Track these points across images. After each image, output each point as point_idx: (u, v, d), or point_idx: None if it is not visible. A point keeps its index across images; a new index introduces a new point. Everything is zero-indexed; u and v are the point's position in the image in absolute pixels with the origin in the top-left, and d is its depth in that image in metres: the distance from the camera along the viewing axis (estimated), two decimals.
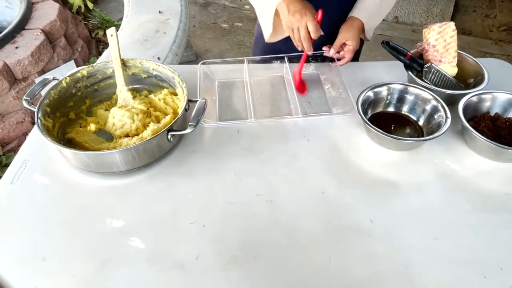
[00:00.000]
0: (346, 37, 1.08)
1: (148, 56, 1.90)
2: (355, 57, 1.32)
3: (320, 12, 0.98)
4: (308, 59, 1.22)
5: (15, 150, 2.05)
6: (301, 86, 1.15)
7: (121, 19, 2.40)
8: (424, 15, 3.33)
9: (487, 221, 0.83)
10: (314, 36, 0.98)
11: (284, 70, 1.21)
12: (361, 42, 1.28)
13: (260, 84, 1.19)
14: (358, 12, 1.12)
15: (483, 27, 3.26)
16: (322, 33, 1.00)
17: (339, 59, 1.16)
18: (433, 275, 0.74)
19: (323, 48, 1.18)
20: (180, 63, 2.11)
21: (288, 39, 1.24)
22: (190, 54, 2.86)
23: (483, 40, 3.12)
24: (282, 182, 0.90)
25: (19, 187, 0.89)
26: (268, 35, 1.13)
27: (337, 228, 0.82)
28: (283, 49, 1.20)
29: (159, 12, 2.21)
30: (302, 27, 0.97)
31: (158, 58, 1.89)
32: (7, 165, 1.88)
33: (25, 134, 2.10)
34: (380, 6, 1.12)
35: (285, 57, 1.19)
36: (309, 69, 1.23)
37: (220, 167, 0.93)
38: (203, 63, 1.18)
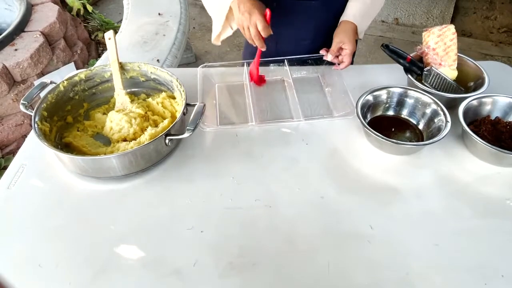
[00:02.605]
0: (342, 41, 1.08)
1: (147, 58, 1.89)
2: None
3: (268, 11, 0.99)
4: (308, 62, 1.22)
5: (14, 153, 2.05)
6: (260, 80, 1.18)
7: (120, 21, 2.40)
8: (424, 17, 3.33)
9: (488, 227, 0.82)
10: (263, 34, 0.98)
11: (284, 72, 1.20)
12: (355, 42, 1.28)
13: (260, 87, 1.18)
14: (349, 15, 1.12)
15: (484, 29, 3.25)
16: (271, 32, 1.00)
17: (339, 63, 1.15)
18: (433, 281, 0.73)
19: (321, 52, 1.17)
20: (179, 65, 2.10)
21: (278, 43, 1.25)
22: (189, 56, 2.86)
23: (484, 42, 3.11)
24: (281, 187, 0.89)
25: (15, 192, 0.89)
26: (215, 35, 1.13)
27: (336, 233, 0.81)
28: (273, 53, 1.21)
29: (159, 14, 2.21)
30: (252, 26, 0.99)
31: (158, 60, 1.89)
32: (6, 168, 1.88)
33: (24, 136, 2.09)
34: (371, 6, 1.13)
35: (285, 60, 1.19)
36: (310, 72, 1.23)
37: (219, 171, 0.93)
38: (203, 67, 1.18)
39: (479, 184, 0.90)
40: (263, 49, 1.04)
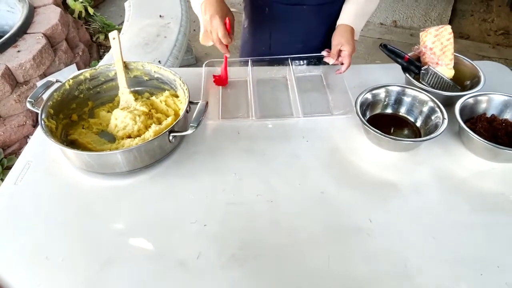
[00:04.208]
0: (340, 43, 1.11)
1: (148, 59, 1.91)
2: None
3: (227, 20, 0.99)
4: (310, 61, 1.25)
5: (16, 153, 2.07)
6: (223, 81, 1.18)
7: (121, 23, 2.43)
8: (422, 19, 3.36)
9: (484, 220, 0.84)
10: (224, 41, 0.99)
11: (287, 71, 1.23)
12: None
13: (262, 85, 1.21)
14: (345, 19, 1.15)
15: (481, 31, 3.28)
16: (230, 41, 1.00)
17: (341, 63, 1.18)
18: (431, 273, 0.75)
19: (323, 52, 1.20)
20: (180, 67, 2.12)
21: (271, 46, 1.29)
22: (190, 58, 2.88)
23: (481, 44, 3.14)
24: (282, 182, 0.91)
25: (22, 187, 0.90)
26: (201, 35, 1.10)
27: (336, 228, 0.83)
28: (266, 54, 1.25)
29: (160, 16, 2.24)
30: (214, 31, 0.99)
31: (159, 61, 1.91)
32: (8, 168, 1.89)
33: (26, 137, 2.11)
34: (366, 6, 1.15)
35: (289, 59, 1.21)
36: (312, 71, 1.25)
37: (221, 167, 0.95)
38: (208, 63, 1.20)
39: (475, 179, 0.92)
40: (227, 55, 1.05)
